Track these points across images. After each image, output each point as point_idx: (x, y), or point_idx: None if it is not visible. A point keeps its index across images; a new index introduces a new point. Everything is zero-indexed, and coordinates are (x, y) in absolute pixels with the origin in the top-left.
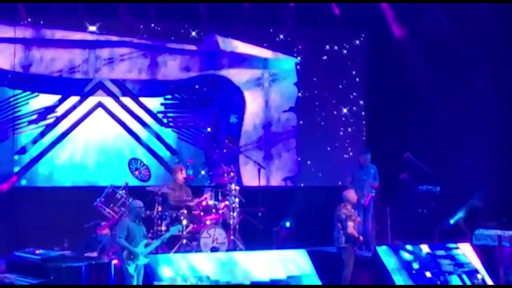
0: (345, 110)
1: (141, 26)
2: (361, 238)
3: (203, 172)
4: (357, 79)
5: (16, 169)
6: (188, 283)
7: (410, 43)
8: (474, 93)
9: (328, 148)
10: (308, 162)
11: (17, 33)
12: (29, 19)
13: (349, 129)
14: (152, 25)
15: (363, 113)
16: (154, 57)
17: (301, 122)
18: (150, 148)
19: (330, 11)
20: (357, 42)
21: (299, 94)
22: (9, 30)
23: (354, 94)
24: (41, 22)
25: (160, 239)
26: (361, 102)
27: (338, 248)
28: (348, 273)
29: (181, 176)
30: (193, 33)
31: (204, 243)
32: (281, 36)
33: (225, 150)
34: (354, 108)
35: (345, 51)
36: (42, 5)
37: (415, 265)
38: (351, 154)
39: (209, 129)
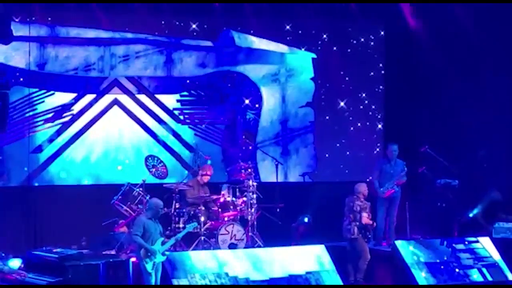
0: (362, 105)
1: (158, 23)
2: (374, 224)
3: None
4: (375, 73)
5: (32, 167)
6: (207, 280)
7: (429, 37)
8: (492, 86)
9: (346, 143)
10: (326, 157)
11: (32, 32)
12: (44, 17)
13: (367, 124)
14: (163, 22)
15: (381, 107)
16: (169, 54)
17: (318, 117)
18: (167, 145)
19: (347, 4)
20: (375, 36)
21: (316, 89)
22: (24, 28)
23: (372, 88)
24: (56, 20)
25: (176, 236)
26: (379, 96)
27: (348, 240)
28: (364, 264)
29: (206, 178)
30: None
31: (222, 240)
32: (298, 31)
33: (244, 148)
34: (372, 103)
35: (363, 46)
36: (57, 3)
37: (434, 259)
38: (369, 149)
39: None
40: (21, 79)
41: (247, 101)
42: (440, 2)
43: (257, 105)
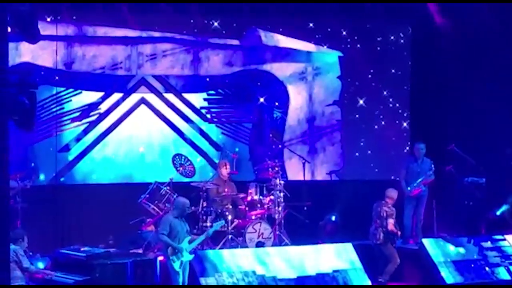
0: (389, 104)
1: (185, 21)
2: (399, 233)
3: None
4: (402, 72)
5: (60, 166)
6: (234, 279)
7: (455, 35)
8: None
9: (373, 142)
10: (353, 155)
11: (59, 31)
12: (71, 17)
13: (394, 122)
14: (192, 21)
15: (407, 105)
16: (196, 53)
17: (345, 115)
18: (194, 144)
19: (373, 3)
20: (402, 34)
21: (343, 88)
22: (51, 27)
23: (399, 87)
24: (83, 19)
25: (204, 234)
26: (406, 95)
27: (374, 244)
28: (393, 267)
29: (225, 171)
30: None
31: (249, 238)
32: (325, 30)
33: (271, 146)
34: (399, 101)
35: (389, 44)
36: (84, 2)
37: (462, 257)
38: (396, 147)
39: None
40: (48, 78)
41: (274, 100)
42: (466, 2)
43: (284, 104)
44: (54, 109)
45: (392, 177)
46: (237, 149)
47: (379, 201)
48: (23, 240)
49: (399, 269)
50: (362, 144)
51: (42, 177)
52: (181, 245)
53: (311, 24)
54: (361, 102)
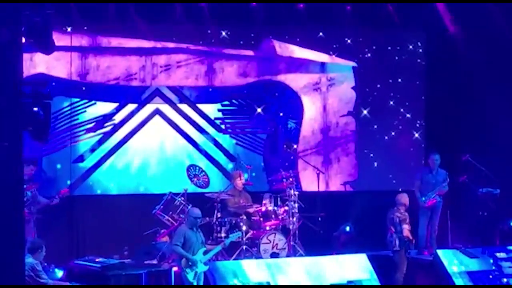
0: (403, 114)
1: (200, 32)
2: (413, 240)
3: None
4: (416, 82)
5: (74, 177)
6: None
7: (470, 44)
8: None
9: (387, 152)
10: (368, 166)
11: (74, 42)
12: (85, 27)
13: (409, 132)
14: (209, 31)
15: (422, 116)
16: (211, 63)
17: (360, 126)
18: (208, 155)
19: (387, 12)
20: (416, 44)
21: (357, 98)
22: (65, 38)
23: (413, 97)
24: (97, 30)
25: (221, 245)
26: (420, 105)
27: (392, 252)
28: (401, 276)
29: (239, 182)
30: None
31: (264, 249)
32: (339, 41)
33: (286, 157)
34: (414, 112)
35: (404, 55)
36: (98, 13)
37: (476, 268)
38: (411, 158)
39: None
40: (63, 89)
41: (288, 111)
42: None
43: (298, 115)
44: (68, 120)
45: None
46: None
47: (391, 209)
48: (41, 251)
49: (413, 279)
50: (376, 154)
51: (56, 188)
52: (195, 256)
53: (324, 35)
54: (375, 113)
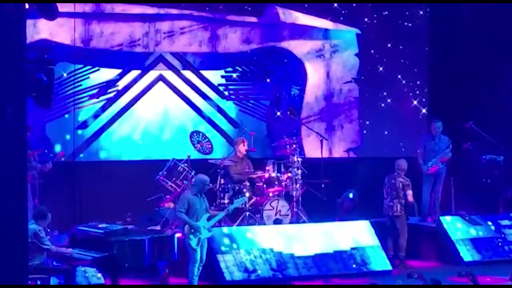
0: (407, 81)
1: None
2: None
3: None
4: (420, 49)
5: (78, 143)
6: (252, 256)
7: (474, 10)
8: None
9: (390, 119)
10: (371, 133)
11: (77, 8)
12: None
13: (412, 100)
14: None
15: (426, 83)
16: (214, 30)
17: (363, 93)
18: (212, 121)
19: None
20: (420, 12)
21: (361, 65)
22: (69, 4)
23: (417, 64)
24: None
25: (224, 211)
26: (424, 72)
27: (390, 217)
28: (404, 241)
29: (243, 148)
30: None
31: (267, 216)
32: (343, 7)
33: (289, 123)
34: (417, 79)
35: (408, 23)
36: None
37: (479, 235)
38: (413, 125)
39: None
40: (66, 55)
41: (291, 77)
42: None
43: (301, 81)
44: (72, 86)
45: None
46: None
47: (391, 174)
48: (45, 218)
49: (416, 246)
50: (379, 121)
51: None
52: (199, 222)
53: (329, 2)
54: (379, 80)
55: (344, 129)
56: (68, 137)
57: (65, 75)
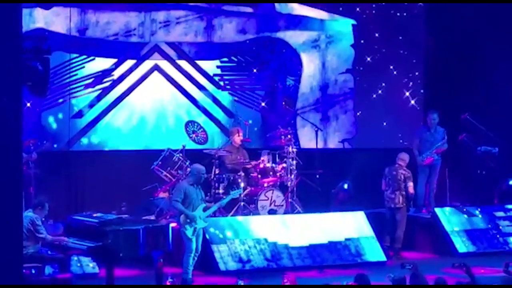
0: (402, 72)
1: None
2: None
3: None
4: (416, 40)
5: (73, 133)
6: (246, 246)
7: (471, 5)
8: None
9: (385, 110)
10: (366, 123)
11: None
12: None
13: (408, 91)
14: None
15: (422, 74)
16: (210, 20)
17: (358, 83)
18: (207, 111)
19: None
20: (417, 3)
21: (356, 56)
22: None
23: (413, 55)
24: None
25: (220, 202)
26: (420, 63)
27: (391, 209)
28: (402, 233)
29: (238, 138)
30: None
31: (261, 206)
32: None
33: (284, 114)
34: (413, 70)
35: (404, 13)
36: None
37: (474, 227)
38: (409, 116)
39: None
40: (62, 45)
41: (287, 68)
42: None
43: (297, 72)
44: (67, 76)
45: (404, 142)
46: (250, 121)
47: (392, 165)
48: (42, 208)
49: (411, 237)
50: (374, 112)
51: (54, 143)
52: (195, 212)
53: None
54: (374, 70)
55: (339, 120)
56: (63, 126)
57: None
